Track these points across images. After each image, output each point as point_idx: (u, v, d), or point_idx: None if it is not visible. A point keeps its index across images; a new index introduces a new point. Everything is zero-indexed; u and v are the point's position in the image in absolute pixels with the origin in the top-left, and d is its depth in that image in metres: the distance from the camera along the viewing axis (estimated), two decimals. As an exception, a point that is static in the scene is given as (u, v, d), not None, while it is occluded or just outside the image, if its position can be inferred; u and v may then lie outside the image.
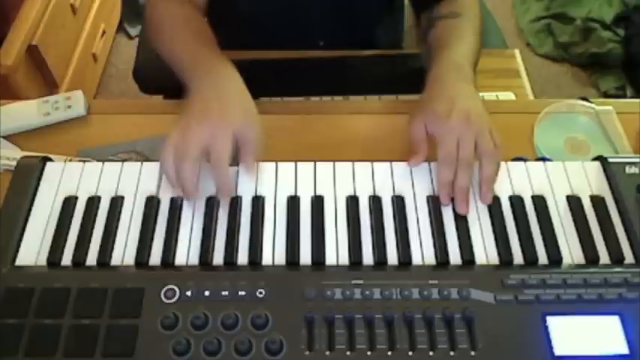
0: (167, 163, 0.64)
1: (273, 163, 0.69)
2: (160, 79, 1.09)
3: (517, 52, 1.02)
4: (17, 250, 0.62)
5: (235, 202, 0.66)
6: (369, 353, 0.55)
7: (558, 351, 0.55)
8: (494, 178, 0.66)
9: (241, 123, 0.66)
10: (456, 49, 0.77)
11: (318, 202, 0.66)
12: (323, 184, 0.67)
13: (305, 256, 0.62)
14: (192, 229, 0.64)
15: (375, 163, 0.69)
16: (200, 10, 0.86)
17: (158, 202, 0.66)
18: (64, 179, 0.68)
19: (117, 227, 0.64)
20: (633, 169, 0.68)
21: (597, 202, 0.67)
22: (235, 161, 0.67)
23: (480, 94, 0.92)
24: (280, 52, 0.97)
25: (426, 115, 0.68)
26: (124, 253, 0.62)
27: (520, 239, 0.64)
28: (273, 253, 0.62)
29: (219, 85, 0.70)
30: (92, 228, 0.64)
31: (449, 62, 0.75)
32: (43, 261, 0.61)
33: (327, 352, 0.55)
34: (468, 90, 0.71)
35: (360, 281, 0.59)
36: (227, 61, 0.75)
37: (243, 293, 0.58)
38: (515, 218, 0.65)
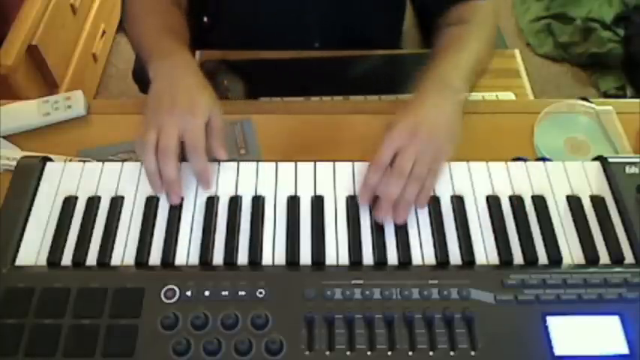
0: (150, 164, 0.64)
1: (273, 163, 0.69)
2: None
3: (517, 52, 1.02)
4: (17, 250, 0.62)
5: (235, 202, 0.66)
6: (369, 353, 0.55)
7: (558, 351, 0.55)
8: (410, 201, 0.64)
9: (209, 111, 0.67)
10: (448, 60, 0.74)
11: (318, 202, 0.66)
12: (323, 184, 0.67)
13: (305, 256, 0.62)
14: (192, 229, 0.64)
15: (375, 163, 0.69)
16: (176, 4, 0.86)
17: (158, 202, 0.66)
18: (64, 179, 0.68)
19: (117, 227, 0.64)
20: (633, 169, 0.68)
21: (597, 202, 0.67)
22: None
23: (480, 94, 0.93)
24: (280, 52, 0.97)
25: (391, 127, 0.66)
26: (124, 253, 0.62)
27: (520, 239, 0.64)
28: (273, 253, 0.62)
29: (177, 73, 0.71)
30: (92, 228, 0.64)
31: (433, 75, 0.72)
32: (43, 261, 0.61)
33: (327, 352, 0.55)
34: (443, 105, 0.69)
35: (360, 281, 0.59)
36: (186, 52, 0.75)
37: (243, 293, 0.58)
38: (515, 218, 0.65)
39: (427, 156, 0.64)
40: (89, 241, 0.63)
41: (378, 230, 0.63)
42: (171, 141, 0.64)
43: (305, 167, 0.69)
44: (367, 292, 0.58)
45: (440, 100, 0.69)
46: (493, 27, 0.83)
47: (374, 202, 0.65)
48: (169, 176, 0.64)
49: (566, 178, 0.69)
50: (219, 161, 0.68)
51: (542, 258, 0.62)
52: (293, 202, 0.66)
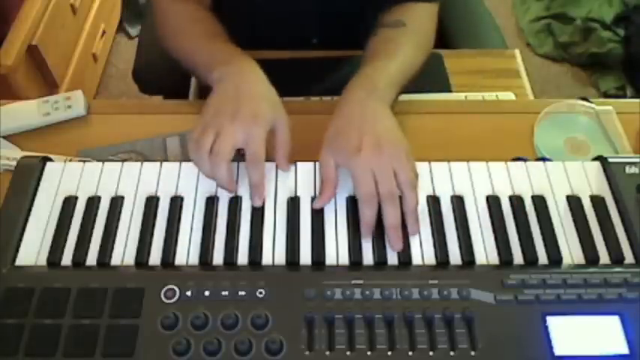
0: (204, 164, 0.64)
1: (274, 163, 0.69)
2: (160, 79, 1.08)
3: (517, 52, 1.02)
4: (17, 250, 0.62)
5: (235, 202, 0.66)
6: (369, 353, 0.55)
7: (558, 351, 0.55)
8: (417, 209, 0.63)
9: (273, 118, 0.66)
10: (379, 65, 0.73)
11: (318, 202, 0.66)
12: (323, 184, 0.67)
13: (305, 256, 0.62)
14: (192, 229, 0.64)
15: (375, 163, 0.69)
16: (205, 7, 0.85)
17: (158, 201, 0.66)
18: (64, 179, 0.68)
19: (117, 227, 0.64)
20: (633, 169, 0.68)
21: (597, 202, 0.67)
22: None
23: (480, 94, 0.93)
24: (280, 52, 0.97)
25: (335, 151, 0.65)
26: (124, 253, 0.62)
27: (520, 239, 0.64)
28: (273, 253, 0.62)
29: (243, 79, 0.70)
30: (92, 228, 0.64)
31: (362, 81, 0.71)
32: (43, 261, 0.61)
33: (327, 352, 0.55)
34: (378, 110, 0.68)
35: (360, 281, 0.59)
36: (244, 53, 0.74)
37: (243, 293, 0.58)
38: (515, 218, 0.65)
39: (402, 164, 0.64)
40: (89, 241, 0.63)
41: (378, 230, 0.63)
42: (227, 147, 0.63)
43: (305, 167, 0.69)
44: (367, 292, 0.58)
45: (377, 107, 0.68)
46: (429, 31, 0.83)
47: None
48: (221, 179, 0.64)
49: (566, 178, 0.69)
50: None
51: (542, 258, 0.62)
52: (293, 202, 0.66)
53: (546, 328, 0.56)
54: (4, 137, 0.79)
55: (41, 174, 0.68)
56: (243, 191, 0.67)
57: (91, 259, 0.62)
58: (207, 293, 0.58)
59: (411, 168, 0.64)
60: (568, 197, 0.67)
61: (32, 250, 0.62)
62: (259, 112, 0.66)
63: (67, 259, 0.62)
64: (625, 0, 2.07)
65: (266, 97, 0.68)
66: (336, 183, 0.65)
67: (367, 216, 0.62)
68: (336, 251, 0.62)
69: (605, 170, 0.69)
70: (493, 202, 0.66)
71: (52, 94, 0.94)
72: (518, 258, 0.62)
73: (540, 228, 0.64)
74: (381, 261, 0.61)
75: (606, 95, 1.97)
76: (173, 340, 0.55)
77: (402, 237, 0.62)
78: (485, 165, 0.69)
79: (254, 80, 0.70)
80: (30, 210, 0.65)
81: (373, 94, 0.69)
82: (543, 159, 0.74)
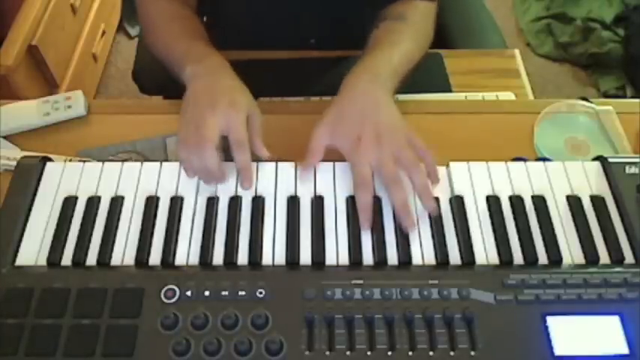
0: (191, 156, 0.64)
1: (273, 163, 0.69)
2: (160, 80, 1.08)
3: (517, 52, 1.02)
4: (17, 250, 0.62)
5: (235, 202, 0.66)
6: (369, 353, 0.55)
7: (558, 351, 0.55)
8: (427, 185, 0.64)
9: (249, 108, 0.68)
10: (381, 54, 0.74)
11: (318, 202, 0.66)
12: (323, 184, 0.67)
13: (305, 256, 0.62)
14: (192, 229, 0.64)
15: (375, 163, 0.69)
16: (188, 6, 0.86)
17: (158, 201, 0.66)
18: (64, 179, 0.68)
19: (117, 227, 0.64)
20: (633, 169, 0.68)
21: (597, 202, 0.67)
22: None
23: (480, 94, 0.93)
24: (280, 52, 0.97)
25: (335, 135, 0.67)
26: (124, 253, 0.62)
27: (520, 239, 0.64)
28: (273, 253, 0.62)
29: (216, 77, 0.71)
30: (92, 228, 0.64)
31: (365, 67, 0.72)
32: (43, 261, 0.62)
33: (327, 352, 0.55)
34: (380, 98, 0.69)
35: (360, 281, 0.59)
36: (217, 53, 0.76)
37: (243, 293, 0.58)
38: (515, 218, 0.65)
39: (402, 148, 0.64)
40: (89, 241, 0.63)
41: (378, 230, 0.63)
42: (212, 131, 0.63)
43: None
44: (367, 292, 0.58)
45: (379, 94, 0.69)
46: (428, 28, 0.84)
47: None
48: (210, 165, 0.63)
49: (566, 178, 0.69)
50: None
51: (542, 258, 0.62)
52: (293, 202, 0.66)
53: (546, 328, 0.56)
54: (4, 137, 0.79)
55: (41, 174, 0.68)
56: (244, 191, 0.67)
57: (91, 259, 0.62)
58: (207, 293, 0.58)
59: (409, 151, 0.64)
60: (568, 197, 0.67)
61: (32, 250, 0.62)
62: (236, 101, 0.67)
63: (67, 259, 0.62)
64: (625, 0, 2.07)
65: (239, 89, 0.70)
66: (321, 158, 0.66)
67: (362, 199, 0.63)
68: (336, 251, 0.62)
69: (605, 170, 0.69)
70: (493, 202, 0.66)
71: (52, 94, 0.94)
72: (518, 258, 0.62)
73: (540, 228, 0.64)
74: (381, 261, 0.61)
75: (606, 95, 1.97)
76: (173, 340, 0.55)
77: (413, 216, 0.63)
78: (486, 165, 0.69)
79: (225, 75, 0.72)
80: (30, 210, 0.65)
81: (376, 81, 0.70)
82: (543, 159, 0.74)
